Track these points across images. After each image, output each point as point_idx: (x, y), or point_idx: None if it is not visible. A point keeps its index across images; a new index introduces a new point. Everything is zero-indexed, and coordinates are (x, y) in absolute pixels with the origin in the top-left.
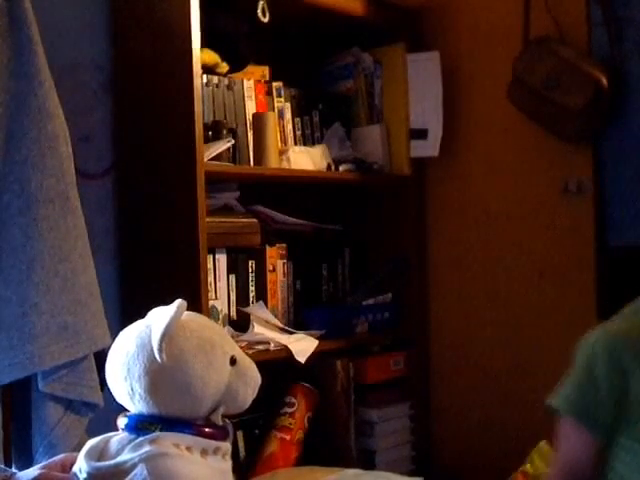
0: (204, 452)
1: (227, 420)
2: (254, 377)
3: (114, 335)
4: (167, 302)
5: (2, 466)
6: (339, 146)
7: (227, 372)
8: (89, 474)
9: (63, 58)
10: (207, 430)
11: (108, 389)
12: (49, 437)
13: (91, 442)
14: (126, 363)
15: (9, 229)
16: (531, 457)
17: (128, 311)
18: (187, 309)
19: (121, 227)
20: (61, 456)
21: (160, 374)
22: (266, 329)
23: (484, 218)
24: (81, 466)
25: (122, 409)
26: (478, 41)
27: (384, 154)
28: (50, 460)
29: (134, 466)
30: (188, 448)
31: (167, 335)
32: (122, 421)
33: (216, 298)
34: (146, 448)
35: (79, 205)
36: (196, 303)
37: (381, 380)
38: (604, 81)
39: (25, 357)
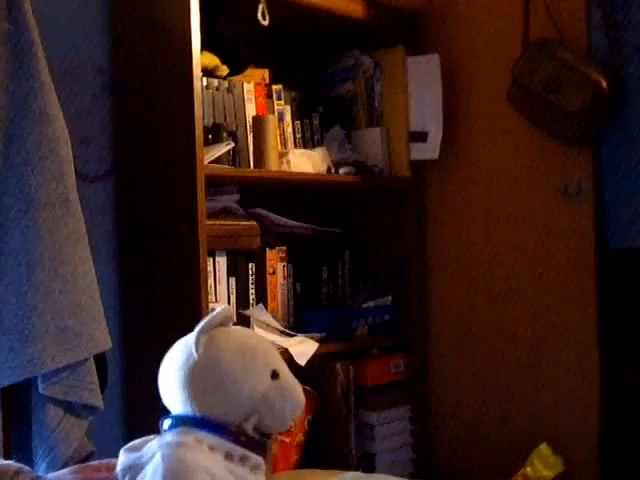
0: (228, 456)
1: (266, 437)
2: (295, 397)
3: (114, 338)
4: (167, 304)
5: (28, 467)
6: (339, 149)
7: (266, 383)
8: (122, 466)
9: (63, 61)
10: (235, 435)
11: (107, 391)
12: (49, 440)
13: (133, 441)
14: (169, 362)
15: (9, 232)
16: (531, 460)
17: (128, 314)
18: (186, 310)
19: (121, 230)
20: (106, 460)
21: (194, 369)
22: (266, 332)
23: (484, 220)
24: (119, 461)
25: (121, 412)
26: (478, 44)
27: (384, 157)
28: (92, 463)
29: (154, 455)
30: (211, 447)
31: (205, 331)
32: (164, 422)
33: (216, 301)
34: (168, 438)
35: (79, 208)
36: (196, 306)
37: (381, 382)
38: (604, 84)
39: (25, 360)
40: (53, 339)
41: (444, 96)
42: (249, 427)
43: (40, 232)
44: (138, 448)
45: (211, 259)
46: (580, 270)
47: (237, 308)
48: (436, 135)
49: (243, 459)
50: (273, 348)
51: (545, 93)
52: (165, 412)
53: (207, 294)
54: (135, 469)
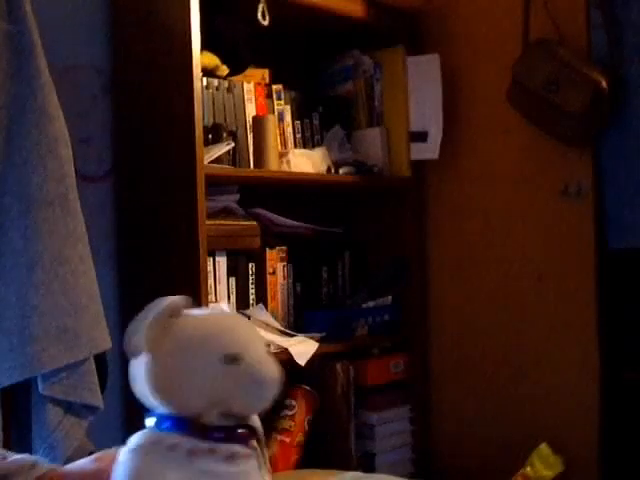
0: (192, 452)
1: (248, 422)
2: (257, 377)
3: (114, 337)
4: None
5: (43, 459)
6: (339, 149)
7: (218, 371)
8: None
9: (63, 60)
10: (197, 429)
11: (107, 391)
12: (49, 440)
13: None
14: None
15: (9, 231)
16: (531, 460)
17: (128, 314)
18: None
19: (121, 229)
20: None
21: (147, 367)
22: (266, 332)
23: (484, 221)
24: None
25: (121, 412)
26: (478, 43)
27: (384, 157)
28: (110, 450)
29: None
30: (171, 447)
31: (151, 327)
32: (147, 419)
33: (216, 301)
34: (131, 440)
35: (79, 207)
36: (196, 306)
37: (381, 383)
38: (603, 84)
39: (25, 360)
40: (53, 339)
41: (444, 96)
42: (213, 417)
43: (40, 232)
44: None
45: (211, 259)
46: (580, 270)
47: (237, 308)
48: (436, 135)
49: (211, 452)
50: (236, 329)
51: (545, 93)
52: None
53: (207, 294)
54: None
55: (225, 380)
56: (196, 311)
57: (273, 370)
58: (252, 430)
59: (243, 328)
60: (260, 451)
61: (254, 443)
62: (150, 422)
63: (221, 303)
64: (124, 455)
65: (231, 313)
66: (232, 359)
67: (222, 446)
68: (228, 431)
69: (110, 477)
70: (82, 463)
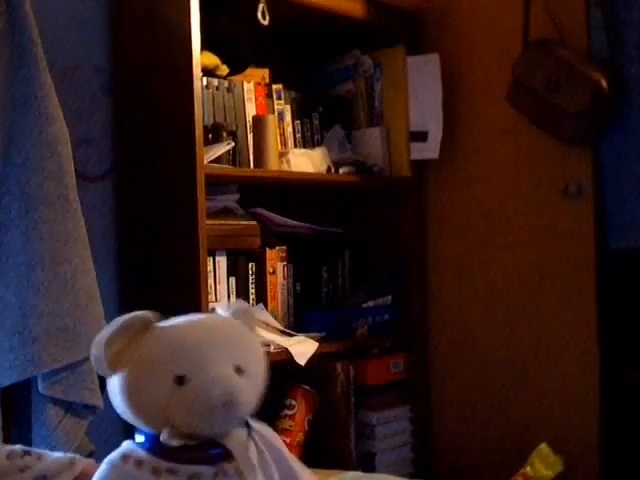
0: (156, 471)
1: (227, 443)
2: (204, 400)
3: None
4: (166, 304)
5: (18, 445)
6: (339, 148)
7: (168, 391)
8: None
9: (63, 60)
10: (158, 448)
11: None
12: (49, 439)
13: None
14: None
15: (9, 231)
16: (531, 459)
17: (128, 313)
18: (186, 310)
19: (121, 229)
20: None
21: (115, 383)
22: (266, 331)
23: (484, 220)
24: None
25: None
26: (478, 43)
27: (384, 156)
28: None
29: None
30: (138, 463)
31: (108, 348)
32: None
33: (216, 300)
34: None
35: (79, 207)
36: (196, 305)
37: (381, 382)
38: (604, 83)
39: (25, 359)
40: (53, 339)
41: (444, 96)
42: (166, 437)
43: (40, 232)
44: None
45: (211, 259)
46: (580, 270)
47: None
48: (436, 135)
49: (170, 472)
50: (193, 348)
51: (545, 93)
52: None
53: (207, 294)
54: None
55: (174, 400)
56: (169, 322)
57: (222, 393)
58: (222, 450)
59: (204, 345)
60: (239, 470)
61: (228, 463)
62: (139, 438)
63: (220, 304)
64: (101, 466)
65: (206, 322)
66: (180, 380)
67: (182, 467)
68: (189, 451)
69: None
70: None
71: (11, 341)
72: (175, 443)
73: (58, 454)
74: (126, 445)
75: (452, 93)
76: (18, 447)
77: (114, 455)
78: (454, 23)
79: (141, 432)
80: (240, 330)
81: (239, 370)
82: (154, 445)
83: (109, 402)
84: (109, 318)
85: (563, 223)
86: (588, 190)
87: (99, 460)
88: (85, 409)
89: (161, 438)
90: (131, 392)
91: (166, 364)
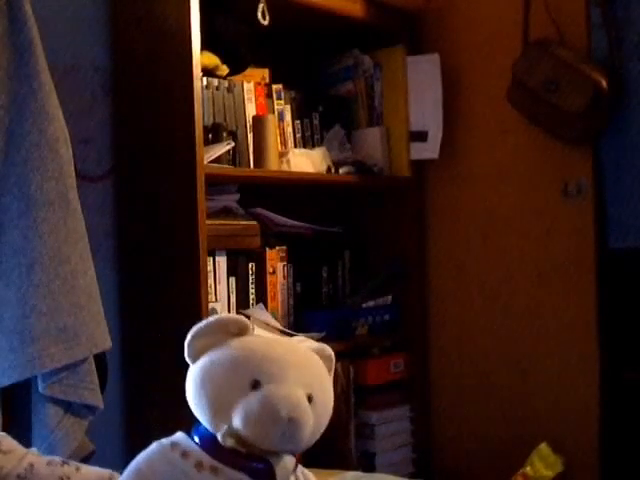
0: (199, 464)
1: (264, 456)
2: (272, 410)
3: (114, 337)
4: (167, 304)
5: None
6: (339, 148)
7: (241, 391)
8: None
9: (63, 60)
10: (209, 444)
11: (107, 391)
12: (49, 439)
13: None
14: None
15: (9, 231)
16: (531, 459)
17: (128, 313)
18: (186, 310)
19: (121, 229)
20: None
21: (188, 375)
22: (266, 331)
23: (484, 220)
24: None
25: (121, 412)
26: (478, 43)
27: (384, 156)
28: None
29: None
30: (184, 454)
31: (194, 338)
32: None
33: (216, 300)
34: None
35: (79, 207)
36: (196, 305)
37: (381, 382)
38: (604, 83)
39: (25, 359)
40: (53, 339)
41: (444, 96)
42: (221, 435)
43: (40, 232)
44: None
45: (211, 259)
46: (580, 270)
47: (237, 308)
48: (436, 135)
49: (213, 470)
50: (269, 355)
51: (545, 92)
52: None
53: (207, 294)
54: None
55: (247, 404)
56: (256, 334)
57: (291, 409)
58: (268, 468)
59: (286, 362)
60: None
61: None
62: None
63: (219, 304)
64: (150, 446)
65: (292, 343)
66: (256, 384)
67: (226, 469)
68: (237, 456)
69: None
70: None
71: (11, 341)
72: (229, 444)
73: (96, 468)
74: (179, 434)
75: (452, 93)
76: (57, 457)
77: (165, 440)
78: (454, 23)
79: (196, 428)
80: (320, 364)
81: (310, 398)
82: (205, 441)
83: (109, 402)
84: (109, 318)
85: (563, 223)
86: (588, 190)
87: (99, 460)
88: (85, 409)
89: (218, 435)
90: (208, 381)
91: (247, 366)
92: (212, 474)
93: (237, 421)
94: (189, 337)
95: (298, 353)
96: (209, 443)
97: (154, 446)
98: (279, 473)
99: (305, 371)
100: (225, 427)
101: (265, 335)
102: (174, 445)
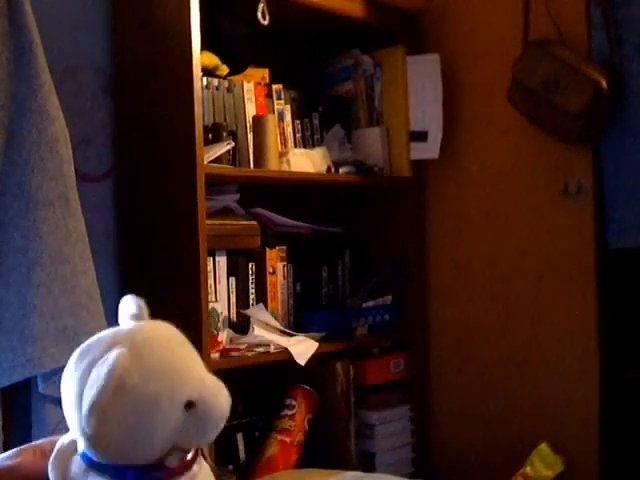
0: None
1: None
2: (213, 418)
3: None
4: (167, 304)
5: None
6: (339, 148)
7: (179, 419)
8: None
9: (63, 60)
10: (155, 472)
11: None
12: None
13: (60, 445)
14: (73, 402)
15: (9, 231)
16: (531, 459)
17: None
18: (186, 310)
19: (121, 229)
20: (42, 440)
21: (95, 442)
22: (266, 331)
23: (484, 220)
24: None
25: None
26: (478, 43)
27: (384, 156)
28: (31, 444)
29: None
30: None
31: (92, 415)
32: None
33: (216, 300)
34: None
35: (79, 207)
36: (196, 305)
37: (381, 382)
38: (604, 83)
39: (25, 359)
40: (53, 338)
41: (444, 95)
42: (174, 460)
43: (40, 232)
44: (67, 458)
45: (211, 259)
46: (580, 270)
47: (237, 308)
48: (436, 135)
49: None
50: (185, 364)
51: (545, 92)
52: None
53: (207, 294)
54: None
55: (187, 424)
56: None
57: (223, 406)
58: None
59: (189, 362)
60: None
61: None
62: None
63: (219, 303)
64: None
65: (164, 331)
66: (190, 404)
67: None
68: (176, 469)
69: (29, 475)
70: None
71: (11, 341)
72: (176, 463)
73: None
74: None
75: (452, 93)
76: None
77: None
78: (454, 23)
79: (118, 470)
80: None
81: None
82: (146, 473)
83: None
84: (109, 318)
85: (563, 223)
86: (588, 190)
87: None
88: None
89: (169, 462)
90: (135, 438)
91: (174, 394)
92: None
93: (185, 443)
94: (91, 411)
95: (179, 340)
96: (148, 472)
97: None
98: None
99: (193, 358)
100: (175, 453)
101: (265, 333)
102: None
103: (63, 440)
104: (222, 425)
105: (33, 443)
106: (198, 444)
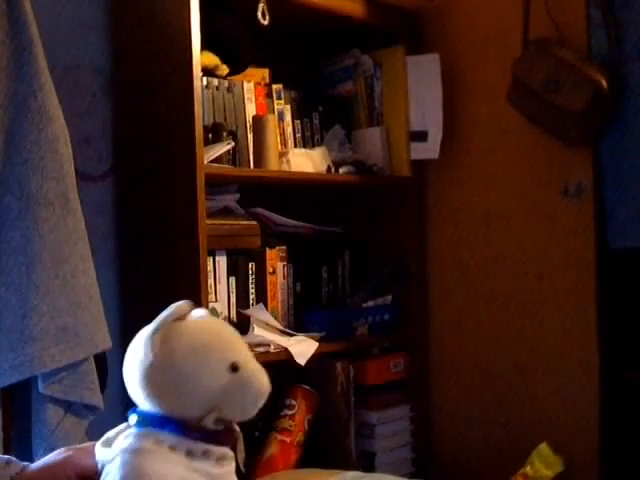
0: (190, 453)
1: (232, 426)
2: (256, 387)
3: (114, 337)
4: (167, 304)
5: (16, 459)
6: (339, 148)
7: (224, 378)
8: (100, 463)
9: (63, 60)
10: (195, 432)
11: (107, 391)
12: (49, 439)
13: (108, 433)
14: (130, 356)
15: (9, 231)
16: (531, 459)
17: (128, 313)
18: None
19: (121, 229)
20: (89, 443)
21: (149, 370)
22: (266, 331)
23: (484, 220)
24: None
25: (121, 412)
26: (478, 43)
27: (384, 156)
28: (74, 446)
29: (115, 458)
30: (172, 447)
31: (157, 334)
32: (130, 416)
33: (216, 300)
34: (128, 442)
35: (79, 207)
36: (196, 305)
37: (381, 382)
38: (604, 83)
39: (25, 359)
40: (53, 338)
41: (444, 95)
42: (210, 422)
43: (40, 231)
44: (110, 442)
45: (211, 258)
46: (580, 270)
47: (237, 307)
48: (436, 135)
49: (205, 454)
50: (234, 338)
51: (545, 92)
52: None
53: (207, 294)
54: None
55: (230, 387)
56: (195, 315)
57: (264, 381)
58: (235, 434)
59: (239, 337)
60: (239, 451)
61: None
62: (132, 420)
63: (219, 303)
64: (125, 456)
65: (208, 316)
66: (234, 367)
67: (215, 448)
68: (221, 434)
69: (79, 465)
70: (49, 457)
71: (11, 341)
72: (219, 427)
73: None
74: (145, 432)
75: (452, 93)
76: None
77: (140, 442)
78: (454, 23)
79: (152, 417)
80: None
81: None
82: (183, 428)
83: (109, 402)
84: (109, 318)
85: (563, 223)
86: (588, 190)
87: None
88: (85, 409)
89: (206, 420)
90: (184, 381)
91: (223, 352)
92: (204, 458)
93: (227, 406)
94: (154, 334)
95: (229, 326)
96: (188, 429)
97: (144, 450)
98: (239, 434)
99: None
100: (213, 415)
101: (265, 332)
102: (158, 443)
103: (109, 434)
104: (261, 403)
105: (77, 446)
106: (237, 416)
